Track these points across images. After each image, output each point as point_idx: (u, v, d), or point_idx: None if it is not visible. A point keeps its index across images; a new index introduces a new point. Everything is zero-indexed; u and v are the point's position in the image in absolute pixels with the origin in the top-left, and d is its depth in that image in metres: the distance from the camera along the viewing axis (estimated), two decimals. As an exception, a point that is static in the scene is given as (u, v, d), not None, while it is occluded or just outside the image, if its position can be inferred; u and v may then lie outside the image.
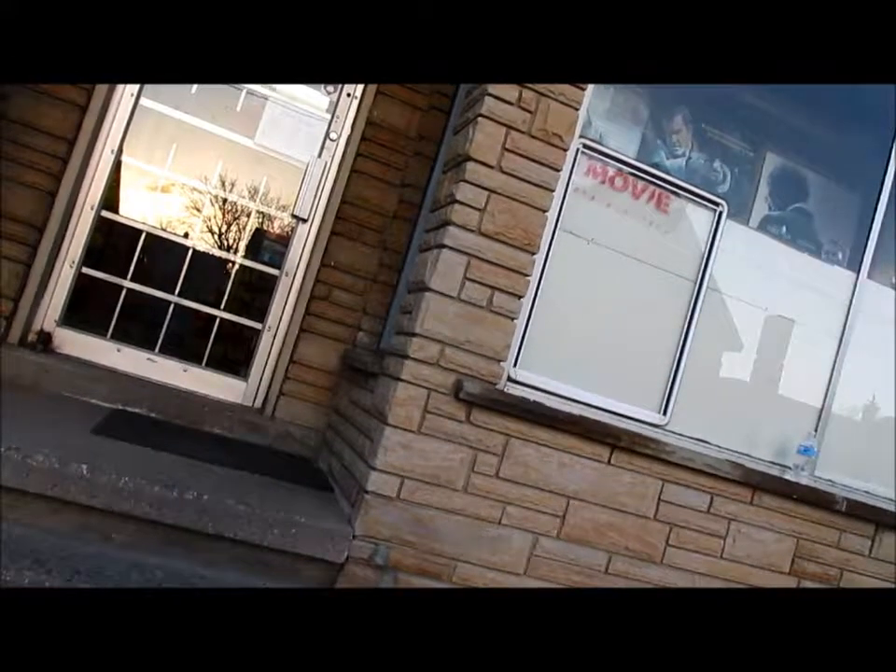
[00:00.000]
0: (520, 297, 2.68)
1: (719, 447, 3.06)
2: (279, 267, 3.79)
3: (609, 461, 2.79)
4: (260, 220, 4.28)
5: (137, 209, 3.83)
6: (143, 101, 3.55)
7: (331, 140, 3.76)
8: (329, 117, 3.79)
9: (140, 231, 3.57)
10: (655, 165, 3.07)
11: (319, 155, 3.74)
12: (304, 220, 3.72)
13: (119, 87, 3.46)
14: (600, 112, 3.05)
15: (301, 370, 3.65)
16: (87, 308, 3.43)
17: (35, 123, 3.24)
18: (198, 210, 3.95)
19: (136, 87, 3.51)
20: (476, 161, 2.60)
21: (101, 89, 3.37)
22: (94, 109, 3.37)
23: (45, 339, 3.41)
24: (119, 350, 3.52)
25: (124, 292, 3.48)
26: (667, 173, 3.05)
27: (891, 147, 3.33)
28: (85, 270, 3.48)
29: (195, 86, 3.64)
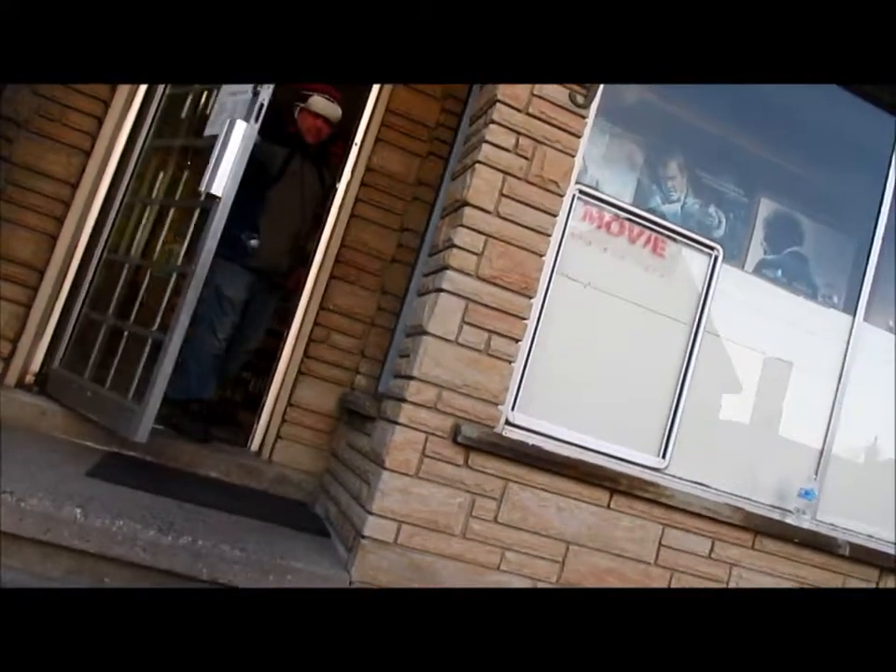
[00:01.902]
0: (517, 340, 2.69)
1: (718, 491, 3.04)
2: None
3: (608, 505, 2.78)
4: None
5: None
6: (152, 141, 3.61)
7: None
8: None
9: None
10: (651, 210, 3.11)
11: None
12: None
13: (124, 131, 3.51)
14: (596, 158, 3.10)
15: (299, 413, 3.64)
16: (86, 350, 3.42)
17: (38, 167, 3.29)
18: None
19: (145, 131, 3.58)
20: (473, 206, 2.64)
21: (105, 133, 3.42)
22: (98, 154, 3.42)
23: (42, 381, 3.40)
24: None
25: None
26: (663, 218, 3.09)
27: (883, 191, 3.38)
28: (86, 311, 3.49)
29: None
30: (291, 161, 3.63)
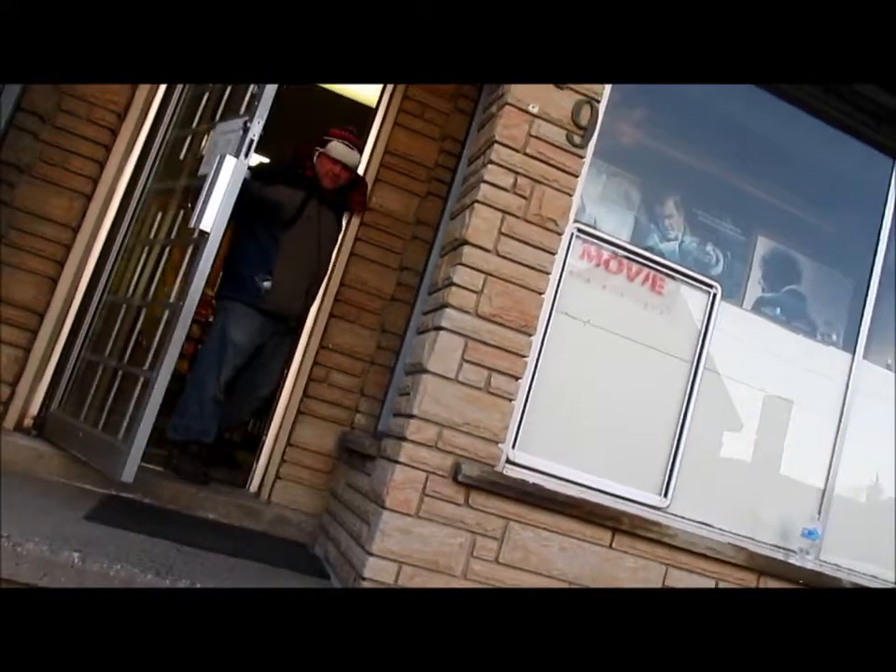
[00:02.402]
0: (517, 378, 2.68)
1: (721, 530, 3.01)
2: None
3: (610, 545, 2.74)
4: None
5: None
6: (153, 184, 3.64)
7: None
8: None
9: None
10: (649, 249, 3.13)
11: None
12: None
13: (125, 175, 3.55)
14: (593, 197, 3.13)
15: (298, 453, 3.62)
16: (84, 392, 3.41)
17: (40, 211, 3.31)
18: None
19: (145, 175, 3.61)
20: (473, 244, 2.66)
21: (107, 177, 3.46)
22: (99, 198, 3.45)
23: (41, 424, 3.38)
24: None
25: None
26: (661, 256, 3.11)
27: (880, 229, 3.41)
28: (85, 354, 3.49)
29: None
30: (308, 205, 3.63)
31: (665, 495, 2.94)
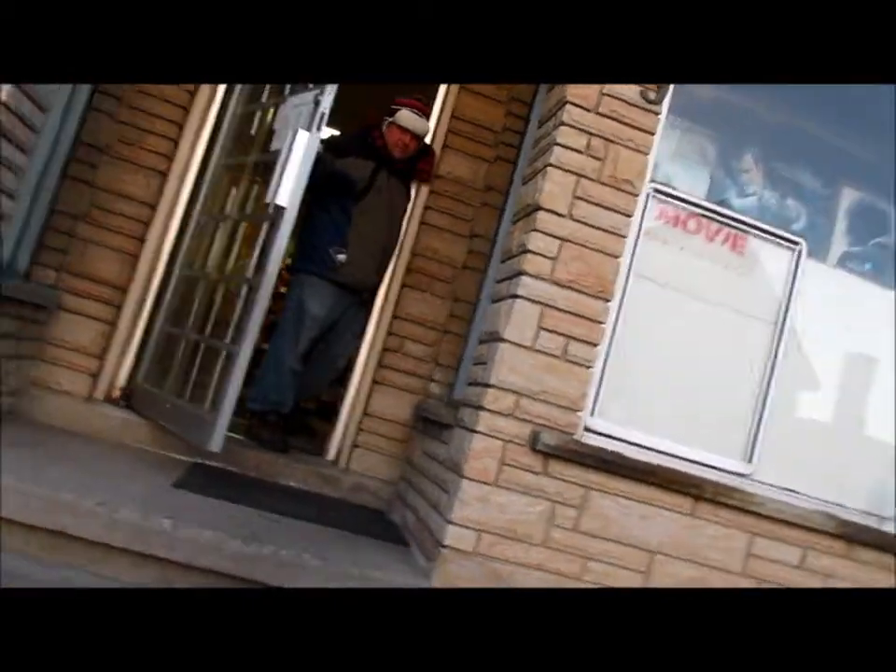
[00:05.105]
0: (595, 345, 2.64)
1: (809, 497, 2.90)
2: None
3: (692, 513, 2.69)
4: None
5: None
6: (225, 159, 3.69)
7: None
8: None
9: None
10: (727, 206, 3.01)
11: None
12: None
13: (198, 151, 3.60)
14: (667, 155, 3.02)
15: (374, 422, 3.66)
16: (167, 364, 3.52)
17: (119, 190, 3.40)
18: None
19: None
20: (546, 210, 2.61)
21: (181, 154, 3.52)
22: (174, 175, 3.52)
23: (128, 395, 3.51)
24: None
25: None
26: (740, 213, 2.99)
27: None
28: (166, 327, 3.59)
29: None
30: (378, 175, 3.62)
31: (750, 461, 2.86)
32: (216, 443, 2.81)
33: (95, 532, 2.23)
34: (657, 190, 2.86)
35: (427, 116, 3.74)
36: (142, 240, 3.46)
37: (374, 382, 3.69)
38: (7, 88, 2.31)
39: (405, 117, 3.62)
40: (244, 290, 3.12)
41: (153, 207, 3.47)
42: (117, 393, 3.52)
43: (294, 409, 3.73)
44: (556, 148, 2.63)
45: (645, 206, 2.81)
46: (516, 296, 2.57)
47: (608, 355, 2.73)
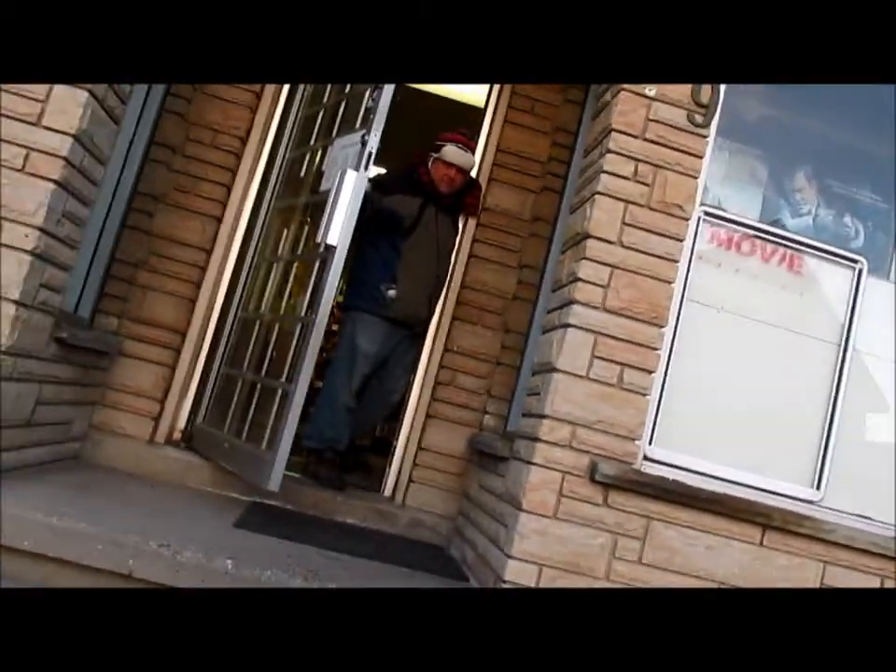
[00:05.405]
0: (651, 372, 2.60)
1: (883, 523, 2.78)
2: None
3: (760, 542, 2.60)
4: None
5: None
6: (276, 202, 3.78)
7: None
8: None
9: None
10: (781, 226, 2.95)
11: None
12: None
13: (250, 196, 3.70)
14: (717, 177, 2.98)
15: (429, 456, 3.66)
16: (225, 404, 3.58)
17: (175, 236, 3.50)
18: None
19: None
20: (596, 237, 2.59)
21: (234, 199, 3.62)
22: (228, 220, 3.61)
23: (188, 436, 3.58)
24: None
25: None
26: (795, 233, 2.93)
27: None
28: (224, 368, 3.66)
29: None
30: (425, 211, 3.66)
31: (818, 487, 2.75)
32: (274, 482, 2.83)
33: (160, 574, 2.26)
34: (708, 213, 2.82)
35: (472, 150, 3.77)
36: (198, 284, 3.55)
37: (428, 416, 3.69)
38: (67, 144, 2.40)
39: (450, 152, 3.66)
40: (297, 329, 3.17)
41: (209, 252, 3.57)
42: (177, 435, 3.59)
43: (350, 446, 3.75)
44: (604, 176, 2.62)
45: (696, 230, 2.77)
46: (568, 325, 2.56)
47: (664, 381, 2.68)
